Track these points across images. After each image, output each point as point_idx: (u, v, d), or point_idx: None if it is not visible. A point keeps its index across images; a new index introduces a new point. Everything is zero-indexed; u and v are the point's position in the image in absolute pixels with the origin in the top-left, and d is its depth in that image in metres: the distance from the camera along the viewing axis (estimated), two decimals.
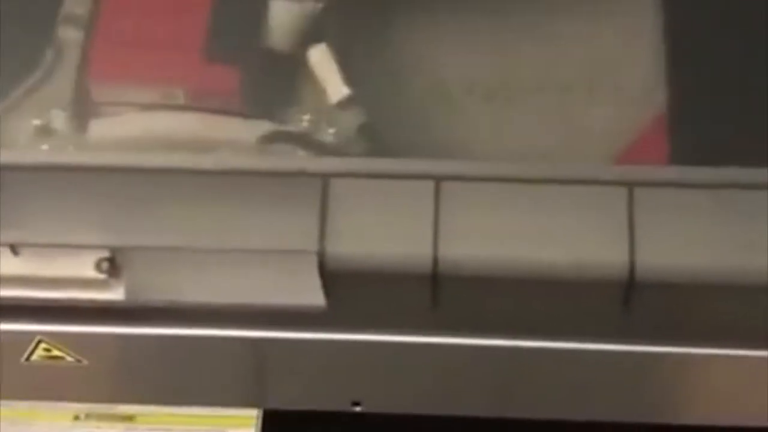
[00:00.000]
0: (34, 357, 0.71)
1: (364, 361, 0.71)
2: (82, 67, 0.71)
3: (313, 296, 0.64)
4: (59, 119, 0.69)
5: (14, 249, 0.64)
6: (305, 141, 0.68)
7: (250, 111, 0.69)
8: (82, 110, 0.69)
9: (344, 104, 0.69)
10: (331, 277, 0.63)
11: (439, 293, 0.64)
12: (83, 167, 0.65)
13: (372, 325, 0.68)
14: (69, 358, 0.71)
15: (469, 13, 0.72)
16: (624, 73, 0.71)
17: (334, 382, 0.73)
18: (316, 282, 0.63)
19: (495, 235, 0.62)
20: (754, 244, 0.62)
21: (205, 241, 0.63)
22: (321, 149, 0.68)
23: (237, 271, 0.64)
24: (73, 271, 0.65)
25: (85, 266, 0.65)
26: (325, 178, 0.64)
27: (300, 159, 0.65)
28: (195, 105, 0.69)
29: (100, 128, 0.68)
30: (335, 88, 0.69)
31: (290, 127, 0.68)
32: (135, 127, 0.68)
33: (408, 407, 0.76)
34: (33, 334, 0.69)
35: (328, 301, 0.64)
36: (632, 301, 0.63)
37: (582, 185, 0.63)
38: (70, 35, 0.71)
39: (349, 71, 0.69)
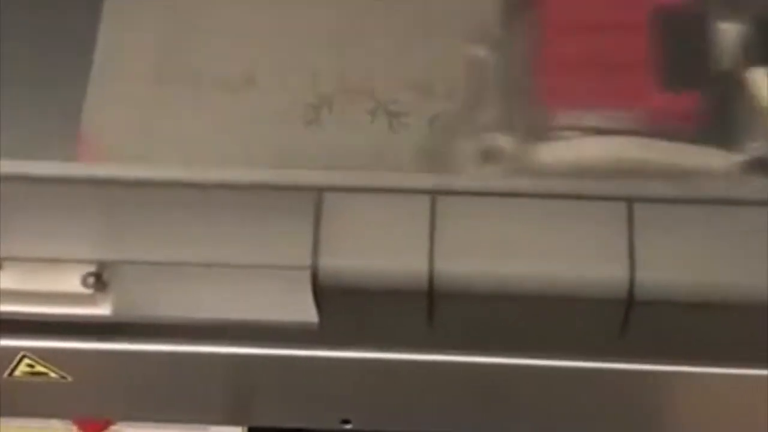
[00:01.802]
0: (16, 373, 0.69)
1: (355, 378, 0.69)
2: (524, 89, 0.66)
3: (306, 312, 0.62)
4: (506, 143, 0.65)
5: None
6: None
7: (706, 138, 0.65)
8: (529, 134, 0.65)
9: None
10: (323, 292, 0.62)
11: (434, 310, 0.62)
12: (70, 179, 0.63)
13: (364, 342, 0.66)
14: (53, 375, 0.69)
15: None
16: None
17: (324, 399, 0.72)
18: (308, 298, 0.62)
19: (492, 251, 0.61)
20: (754, 261, 0.61)
21: (194, 256, 0.62)
22: None
23: (227, 286, 0.63)
24: (59, 286, 0.63)
25: (71, 281, 0.63)
26: (319, 191, 0.62)
27: (292, 172, 0.63)
28: (648, 130, 0.65)
29: (551, 152, 0.64)
30: None
31: (752, 155, 0.64)
32: (586, 151, 0.64)
33: (399, 425, 0.74)
34: (16, 349, 0.68)
35: (320, 318, 0.63)
36: (631, 319, 0.62)
37: (580, 200, 0.62)
38: (482, 55, 0.68)
39: None
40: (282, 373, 0.69)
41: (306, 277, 0.61)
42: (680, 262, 0.61)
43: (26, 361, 0.68)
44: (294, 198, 0.62)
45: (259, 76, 0.66)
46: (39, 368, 0.69)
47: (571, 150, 0.64)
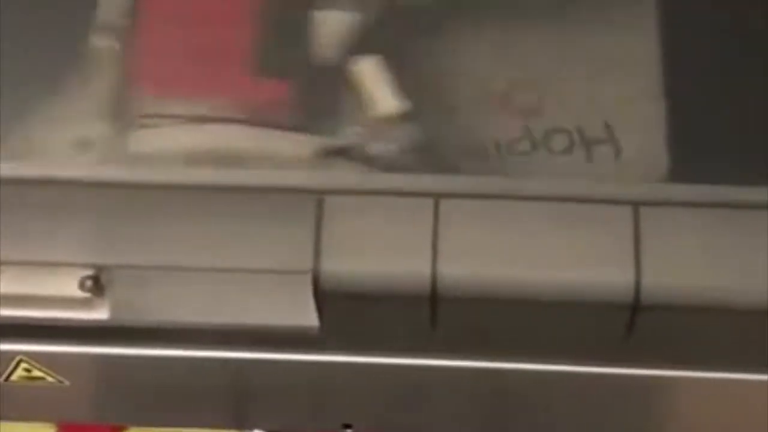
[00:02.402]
0: (13, 377, 0.68)
1: (357, 383, 0.68)
2: (123, 78, 0.67)
3: (306, 317, 0.62)
4: (99, 132, 0.66)
5: None
6: (360, 156, 0.65)
7: (296, 125, 0.66)
8: (124, 123, 0.66)
9: (395, 118, 0.66)
10: (324, 297, 0.61)
11: (437, 314, 0.61)
12: (68, 182, 0.62)
13: (366, 347, 0.65)
14: (50, 379, 0.68)
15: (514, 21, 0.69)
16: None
17: (325, 404, 0.71)
18: (309, 302, 0.61)
19: (496, 255, 0.60)
20: (761, 266, 0.60)
21: (194, 260, 0.61)
22: (375, 165, 0.65)
23: (227, 290, 0.62)
24: (56, 290, 0.62)
25: (68, 285, 0.62)
26: (320, 195, 0.61)
27: (294, 175, 0.63)
28: (241, 118, 0.66)
29: (142, 141, 0.65)
30: (386, 101, 0.66)
31: (341, 142, 0.65)
32: (178, 140, 0.65)
33: (401, 431, 0.74)
34: (13, 353, 0.67)
35: (321, 322, 0.62)
36: (637, 323, 0.61)
37: (586, 203, 0.61)
38: (104, 45, 0.68)
39: (397, 84, 0.66)
40: (282, 377, 0.68)
41: (307, 281, 0.60)
42: (686, 266, 0.60)
43: (23, 365, 0.68)
44: (295, 201, 0.61)
45: None
46: (36, 372, 0.68)
47: (164, 138, 0.65)
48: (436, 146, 0.65)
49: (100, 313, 0.63)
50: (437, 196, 0.61)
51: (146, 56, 0.68)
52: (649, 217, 0.60)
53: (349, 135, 0.64)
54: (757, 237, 0.61)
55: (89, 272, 0.62)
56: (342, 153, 0.64)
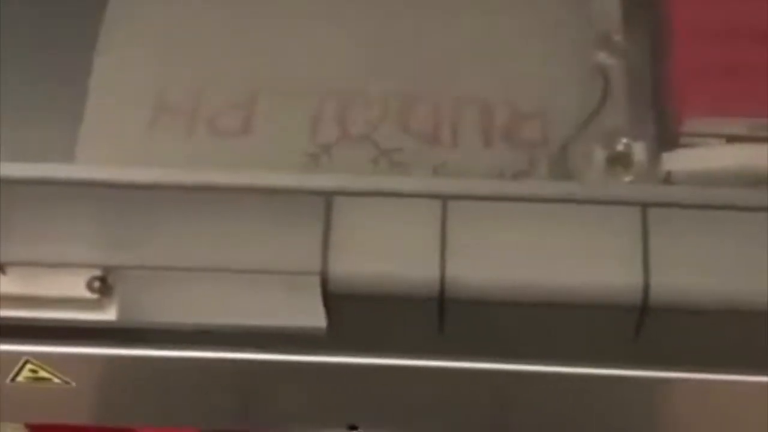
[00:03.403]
0: (19, 378, 0.68)
1: (363, 384, 0.68)
2: (656, 96, 0.65)
3: (314, 318, 0.61)
4: (637, 149, 0.64)
5: (2, 268, 0.62)
6: None
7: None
8: (660, 141, 0.64)
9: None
10: (333, 298, 0.61)
11: (445, 316, 0.61)
12: (75, 183, 0.62)
13: (373, 348, 0.65)
14: (56, 380, 0.68)
15: None
16: None
17: (331, 405, 0.71)
18: (318, 303, 0.61)
19: (504, 257, 0.60)
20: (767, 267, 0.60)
21: (202, 261, 0.61)
22: None
23: (235, 291, 0.62)
24: (64, 291, 0.62)
25: (76, 285, 0.62)
26: (329, 196, 0.61)
27: (302, 176, 0.62)
28: None
29: (678, 160, 0.63)
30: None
31: None
32: (717, 159, 0.63)
33: (406, 429, 0.74)
34: (19, 354, 0.67)
35: (329, 323, 0.62)
36: (646, 325, 0.61)
37: (594, 205, 0.61)
38: (611, 62, 0.67)
39: None
40: (289, 378, 0.68)
41: (315, 282, 0.60)
42: (695, 267, 0.60)
43: (29, 366, 0.67)
44: (304, 202, 0.61)
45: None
46: (42, 374, 0.68)
47: (701, 158, 0.63)
48: None
49: (107, 314, 0.63)
50: (445, 198, 0.61)
51: (684, 75, 0.65)
52: (657, 219, 0.60)
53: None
54: (765, 239, 0.60)
55: (97, 273, 0.62)
56: None
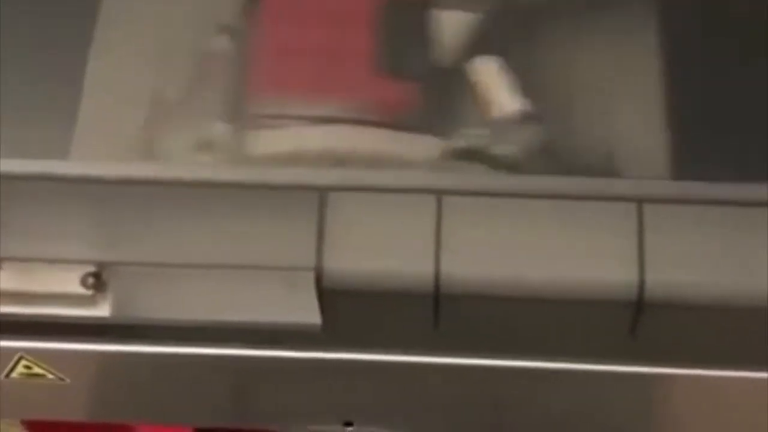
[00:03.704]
0: (14, 374, 0.68)
1: (359, 380, 0.68)
2: (242, 79, 0.66)
3: (309, 314, 0.61)
4: (221, 132, 0.65)
5: None
6: (484, 158, 0.63)
7: (419, 126, 0.65)
8: (243, 123, 0.65)
9: (519, 119, 0.64)
10: (327, 294, 0.60)
11: (440, 312, 0.61)
12: (70, 178, 0.62)
13: (368, 344, 0.65)
14: (50, 376, 0.68)
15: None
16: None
17: (327, 401, 0.71)
18: (312, 299, 0.61)
19: (499, 252, 0.60)
20: (763, 263, 0.60)
21: (196, 257, 0.61)
22: (503, 167, 0.63)
23: (229, 287, 0.62)
24: (58, 287, 0.62)
25: (70, 282, 0.62)
26: (323, 191, 0.61)
27: (297, 171, 0.62)
28: (362, 119, 0.65)
29: (261, 141, 0.64)
30: (508, 101, 0.65)
31: (464, 144, 0.64)
32: (297, 140, 0.64)
33: (401, 428, 0.73)
34: (14, 350, 0.67)
35: (323, 319, 0.62)
36: (641, 321, 0.60)
37: (590, 201, 0.61)
38: (221, 47, 0.67)
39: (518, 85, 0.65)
40: (284, 374, 0.68)
41: (310, 278, 0.60)
42: (690, 264, 0.60)
43: (23, 362, 0.67)
44: (297, 197, 0.61)
45: None
46: (36, 369, 0.68)
47: (285, 139, 0.64)
48: (558, 147, 0.64)
49: (101, 311, 0.62)
50: (440, 193, 0.61)
51: (267, 57, 0.66)
52: (653, 215, 0.60)
53: (471, 137, 0.63)
54: (761, 235, 0.60)
55: (91, 269, 0.62)
56: (466, 155, 0.63)
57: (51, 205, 0.62)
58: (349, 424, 0.73)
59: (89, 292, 0.62)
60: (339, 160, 0.63)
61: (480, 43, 0.66)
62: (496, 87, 0.65)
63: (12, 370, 0.68)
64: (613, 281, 0.59)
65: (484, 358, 0.65)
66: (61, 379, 0.68)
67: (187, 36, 0.68)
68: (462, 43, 0.66)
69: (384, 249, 0.60)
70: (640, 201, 0.61)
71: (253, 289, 0.61)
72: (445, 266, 0.60)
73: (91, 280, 0.62)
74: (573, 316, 0.61)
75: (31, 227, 0.61)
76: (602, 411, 0.69)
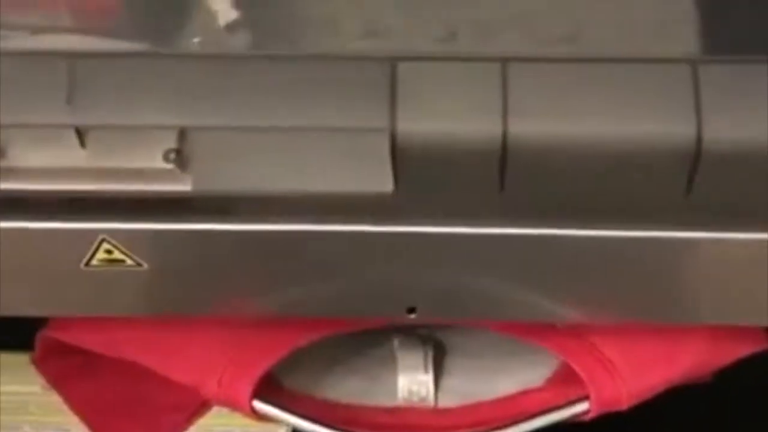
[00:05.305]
0: (94, 261, 0.71)
1: (425, 259, 0.71)
2: None
3: (382, 180, 0.64)
4: None
5: (81, 135, 0.65)
6: None
7: (130, 33, 0.67)
8: None
9: (232, 27, 0.67)
10: (401, 157, 0.64)
11: (506, 173, 0.64)
12: (154, 55, 0.65)
13: (436, 216, 0.68)
14: (129, 261, 0.71)
15: None
16: None
17: (390, 285, 0.74)
18: (385, 163, 0.64)
19: (562, 111, 0.63)
20: None
21: (273, 119, 0.64)
22: None
23: (304, 156, 0.65)
24: (141, 163, 0.65)
25: (153, 157, 0.65)
26: (394, 61, 0.64)
27: (367, 42, 0.65)
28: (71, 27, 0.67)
29: None
30: (224, 10, 0.67)
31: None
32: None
33: (463, 314, 0.76)
34: (96, 232, 0.69)
35: (395, 186, 0.65)
36: (697, 176, 0.64)
37: (647, 63, 0.64)
38: None
39: None
40: (350, 252, 0.70)
41: (384, 140, 0.63)
42: (747, 118, 0.63)
43: (105, 246, 0.70)
44: (368, 68, 0.64)
45: None
46: (117, 254, 0.71)
47: None
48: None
49: (183, 185, 0.66)
50: (504, 61, 0.64)
51: None
52: (707, 74, 0.63)
53: (189, 46, 0.66)
54: None
55: (172, 144, 0.65)
56: None
57: (134, 77, 0.65)
58: (412, 310, 0.75)
59: (171, 167, 0.65)
60: None
61: None
62: None
63: (93, 255, 0.71)
64: (672, 132, 0.63)
65: (547, 227, 0.68)
66: (139, 265, 0.71)
67: None
68: None
69: (454, 112, 0.63)
70: (693, 62, 0.64)
71: (327, 156, 0.64)
72: (511, 126, 0.63)
73: (173, 156, 0.65)
74: (632, 173, 0.64)
75: (115, 98, 0.64)
76: (657, 277, 0.71)
